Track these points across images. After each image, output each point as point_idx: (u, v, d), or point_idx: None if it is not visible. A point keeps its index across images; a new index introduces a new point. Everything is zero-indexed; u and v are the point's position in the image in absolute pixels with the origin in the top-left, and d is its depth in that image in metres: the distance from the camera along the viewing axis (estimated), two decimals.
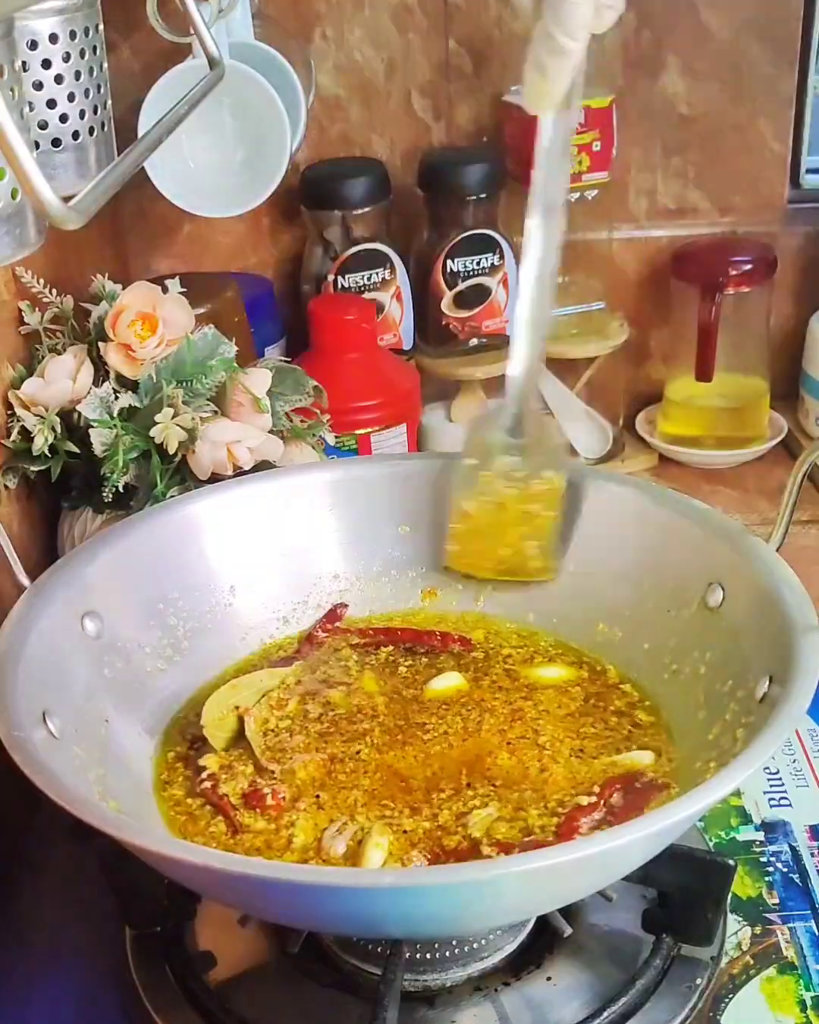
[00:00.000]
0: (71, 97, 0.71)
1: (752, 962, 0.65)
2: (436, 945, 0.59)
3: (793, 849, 0.72)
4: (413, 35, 1.12)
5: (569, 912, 0.62)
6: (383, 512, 0.75)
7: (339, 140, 1.15)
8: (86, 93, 0.71)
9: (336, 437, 0.90)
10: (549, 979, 0.60)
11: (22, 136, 0.43)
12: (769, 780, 0.77)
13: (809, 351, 1.19)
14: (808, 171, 1.18)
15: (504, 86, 1.11)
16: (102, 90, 0.73)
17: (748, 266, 1.13)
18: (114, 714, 0.62)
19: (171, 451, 0.77)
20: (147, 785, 0.62)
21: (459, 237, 1.09)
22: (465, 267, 1.10)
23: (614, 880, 0.56)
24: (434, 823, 0.58)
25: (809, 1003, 0.62)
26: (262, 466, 0.80)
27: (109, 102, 0.75)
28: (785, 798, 0.76)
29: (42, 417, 0.78)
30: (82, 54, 0.70)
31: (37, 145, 0.70)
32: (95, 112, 0.72)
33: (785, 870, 0.71)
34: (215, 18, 0.90)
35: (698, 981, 0.60)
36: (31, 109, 0.69)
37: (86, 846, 0.57)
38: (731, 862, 0.58)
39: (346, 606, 0.74)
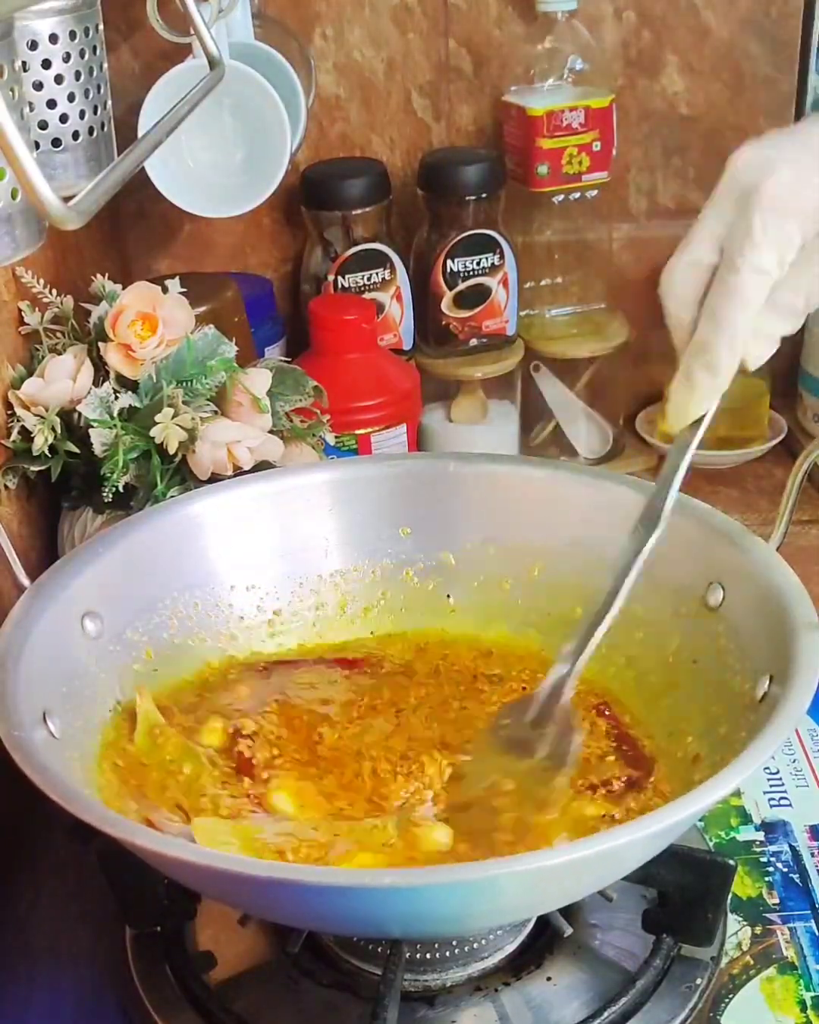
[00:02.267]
0: (71, 97, 0.70)
1: (752, 962, 0.65)
2: (436, 945, 0.59)
3: (793, 849, 0.72)
4: (413, 35, 1.11)
5: (569, 912, 0.62)
6: (383, 512, 0.74)
7: (339, 140, 1.15)
8: (86, 93, 0.71)
9: (336, 437, 0.90)
10: (549, 979, 0.60)
11: (22, 136, 0.43)
12: (769, 780, 0.77)
13: (808, 349, 1.19)
14: None
15: (504, 86, 1.11)
16: (102, 90, 0.73)
17: None
18: (114, 713, 0.62)
19: (171, 451, 0.77)
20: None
21: (459, 237, 1.09)
22: (465, 267, 1.10)
23: (614, 880, 0.56)
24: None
25: (809, 1003, 0.62)
26: (262, 466, 0.80)
27: (109, 102, 0.75)
28: (785, 798, 0.76)
29: (42, 417, 0.78)
30: (82, 54, 0.70)
31: (37, 145, 0.70)
32: (95, 112, 0.72)
33: (785, 870, 0.71)
34: (215, 18, 0.90)
35: (698, 981, 0.60)
36: (31, 109, 0.69)
37: (86, 846, 0.57)
38: (731, 862, 0.58)
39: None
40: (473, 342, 1.13)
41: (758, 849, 0.72)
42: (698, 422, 0.58)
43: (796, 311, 0.56)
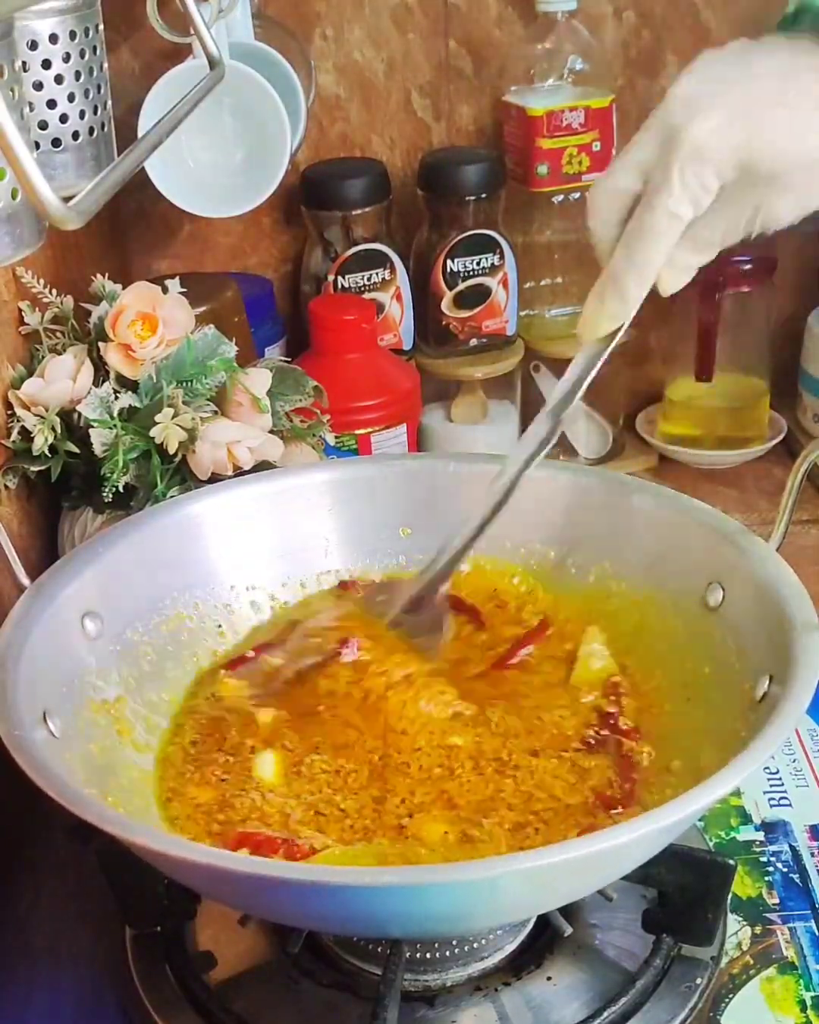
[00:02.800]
0: (71, 97, 0.71)
1: (752, 962, 0.65)
2: (436, 945, 0.59)
3: (793, 849, 0.72)
4: (413, 35, 1.12)
5: (569, 912, 0.62)
6: (383, 512, 0.74)
7: (339, 140, 1.15)
8: (86, 93, 0.71)
9: (336, 437, 0.90)
10: (549, 979, 0.60)
11: (22, 136, 0.43)
12: (769, 780, 0.77)
13: (808, 349, 1.19)
14: None
15: (504, 86, 1.11)
16: (102, 90, 0.73)
17: (748, 266, 1.13)
18: (114, 713, 0.62)
19: (171, 451, 0.77)
20: (148, 784, 0.62)
21: (459, 237, 1.09)
22: (465, 267, 1.10)
23: (614, 880, 0.56)
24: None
25: (809, 1003, 0.62)
26: (262, 466, 0.80)
27: (109, 102, 0.75)
28: (785, 798, 0.76)
29: (42, 417, 0.78)
30: (82, 54, 0.70)
31: (37, 145, 0.70)
32: (95, 112, 0.72)
33: (785, 870, 0.71)
34: (215, 18, 0.90)
35: (698, 981, 0.60)
36: (31, 109, 0.69)
37: (86, 846, 0.57)
38: (731, 862, 0.58)
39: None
40: (473, 342, 1.13)
41: (758, 849, 0.72)
42: (609, 337, 0.59)
43: (712, 245, 0.57)
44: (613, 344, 0.59)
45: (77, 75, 0.70)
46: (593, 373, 0.60)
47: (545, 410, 0.62)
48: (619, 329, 0.59)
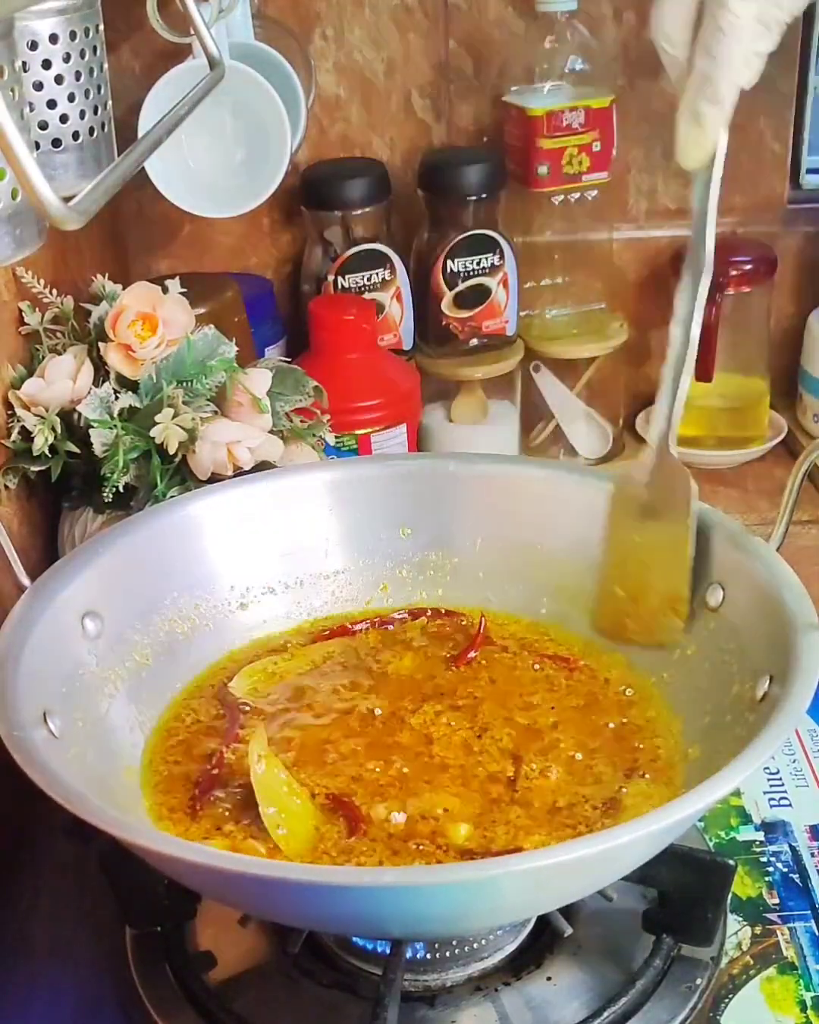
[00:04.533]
0: (71, 97, 0.70)
1: (752, 962, 0.65)
2: (436, 945, 0.59)
3: (793, 849, 0.72)
4: (413, 35, 1.12)
5: (569, 912, 0.62)
6: (383, 512, 0.75)
7: (339, 140, 1.15)
8: (86, 93, 0.71)
9: (336, 437, 0.90)
10: (549, 979, 0.60)
11: (22, 136, 0.43)
12: (769, 780, 0.77)
13: (808, 349, 1.19)
14: (808, 171, 1.18)
15: (504, 86, 1.11)
16: (102, 90, 0.73)
17: (748, 266, 1.13)
18: (114, 713, 0.62)
19: (171, 451, 0.77)
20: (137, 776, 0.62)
21: (459, 237, 1.09)
22: (465, 267, 1.10)
23: (614, 880, 0.56)
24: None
25: (809, 1003, 0.62)
26: (262, 466, 0.80)
27: (109, 102, 0.75)
28: (785, 798, 0.76)
29: (42, 417, 0.78)
30: (82, 54, 0.70)
31: (37, 145, 0.70)
32: (95, 112, 0.72)
33: (785, 870, 0.71)
34: (215, 18, 0.90)
35: (698, 981, 0.60)
36: (31, 109, 0.69)
37: (86, 846, 0.57)
38: (731, 862, 0.58)
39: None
40: (473, 342, 1.13)
41: (758, 849, 0.72)
42: (711, 159, 0.60)
43: (780, 24, 0.58)
44: (718, 168, 0.59)
45: (77, 75, 0.70)
46: (714, 203, 0.61)
47: (686, 267, 0.63)
48: (720, 148, 0.59)
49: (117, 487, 0.77)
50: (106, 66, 0.74)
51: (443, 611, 0.73)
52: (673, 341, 0.65)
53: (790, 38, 1.11)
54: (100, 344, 0.80)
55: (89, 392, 0.78)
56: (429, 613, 0.73)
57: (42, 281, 0.81)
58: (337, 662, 0.70)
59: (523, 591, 0.73)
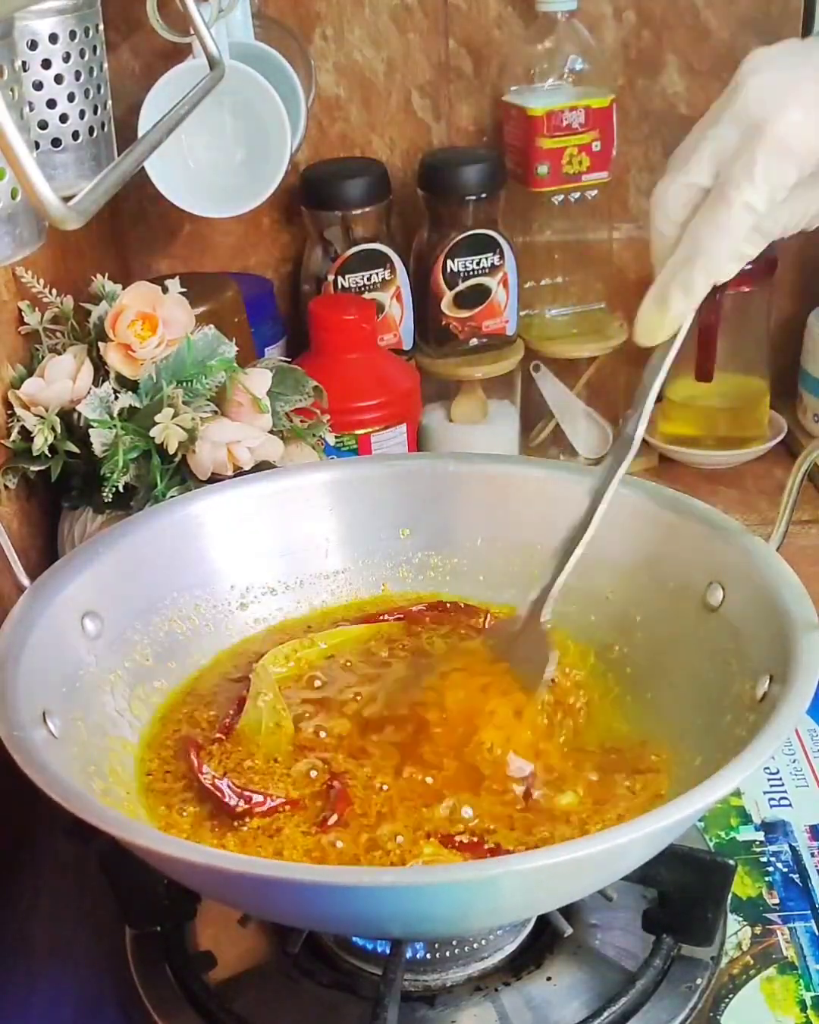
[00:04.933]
0: (71, 97, 0.71)
1: (752, 962, 0.65)
2: (436, 945, 0.59)
3: (793, 849, 0.72)
4: (413, 35, 1.12)
5: (569, 912, 0.62)
6: (383, 512, 0.75)
7: (339, 140, 1.15)
8: (86, 93, 0.71)
9: (336, 437, 0.90)
10: (549, 979, 0.60)
11: (22, 136, 0.43)
12: (769, 780, 0.77)
13: (808, 349, 1.19)
14: None
15: (504, 86, 1.11)
16: (102, 90, 0.74)
17: (748, 266, 1.13)
18: (114, 713, 0.62)
19: (171, 451, 0.77)
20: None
21: (459, 237, 1.09)
22: (465, 267, 1.10)
23: (614, 880, 0.56)
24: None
25: (809, 1003, 0.62)
26: (262, 466, 0.80)
27: (109, 102, 0.75)
28: (785, 798, 0.76)
29: (42, 417, 0.78)
30: (82, 54, 0.70)
31: (37, 145, 0.70)
32: (95, 112, 0.72)
33: (785, 870, 0.71)
34: (215, 18, 0.90)
35: (698, 981, 0.60)
36: (31, 109, 0.69)
37: (86, 846, 0.57)
38: (731, 862, 0.58)
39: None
40: (473, 342, 1.13)
41: (758, 849, 0.72)
42: (669, 341, 0.58)
43: (771, 235, 0.57)
44: (674, 349, 0.58)
45: (77, 75, 0.70)
46: (660, 382, 0.59)
47: (619, 436, 0.61)
48: (681, 331, 0.58)
49: (117, 487, 0.77)
50: (106, 66, 0.74)
51: (463, 605, 0.73)
52: (579, 515, 0.61)
53: (790, 38, 1.12)
54: (100, 344, 0.80)
55: (89, 392, 0.78)
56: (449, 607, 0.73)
57: (42, 281, 0.81)
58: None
59: (523, 591, 0.72)
